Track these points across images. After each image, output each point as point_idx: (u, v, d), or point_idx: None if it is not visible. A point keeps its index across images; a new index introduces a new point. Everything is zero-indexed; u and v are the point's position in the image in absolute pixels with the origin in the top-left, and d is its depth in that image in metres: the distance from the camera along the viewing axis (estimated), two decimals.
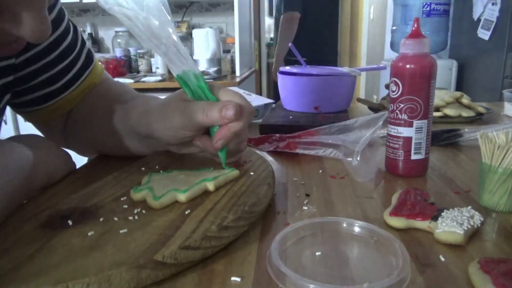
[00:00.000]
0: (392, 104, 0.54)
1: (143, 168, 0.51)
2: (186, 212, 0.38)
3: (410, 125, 0.53)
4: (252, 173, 0.48)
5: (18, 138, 0.48)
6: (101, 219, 0.37)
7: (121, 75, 2.33)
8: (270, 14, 4.37)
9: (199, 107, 0.44)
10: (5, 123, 2.22)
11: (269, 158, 0.65)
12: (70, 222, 0.36)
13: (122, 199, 0.42)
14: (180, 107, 0.45)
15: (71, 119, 0.62)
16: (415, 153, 0.54)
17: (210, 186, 0.43)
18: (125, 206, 0.40)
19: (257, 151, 0.60)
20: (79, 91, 0.60)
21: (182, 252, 0.32)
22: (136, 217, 0.37)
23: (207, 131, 0.47)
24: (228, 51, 2.62)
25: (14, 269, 0.29)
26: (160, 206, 0.39)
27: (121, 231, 0.35)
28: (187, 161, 0.53)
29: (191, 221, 0.36)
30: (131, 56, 2.51)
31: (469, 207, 0.41)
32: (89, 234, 0.34)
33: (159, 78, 2.20)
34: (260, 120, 0.86)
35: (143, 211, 0.39)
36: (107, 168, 0.51)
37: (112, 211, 0.39)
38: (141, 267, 0.30)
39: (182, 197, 0.40)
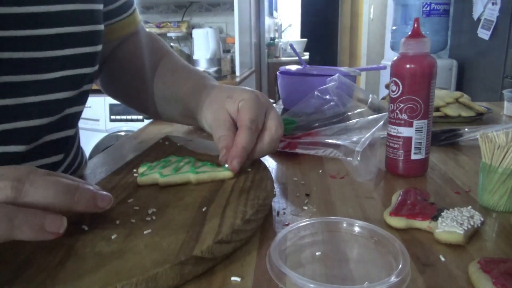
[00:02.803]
0: (392, 104, 0.54)
1: (134, 170, 0.50)
2: (203, 209, 0.39)
3: (410, 125, 0.53)
4: (249, 169, 0.49)
5: None
6: (117, 222, 0.37)
7: None
8: (270, 14, 4.37)
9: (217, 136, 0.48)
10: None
11: (269, 158, 0.65)
12: (85, 227, 0.36)
13: (129, 201, 0.41)
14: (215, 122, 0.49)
15: (113, 60, 0.65)
16: (415, 153, 0.54)
17: (192, 179, 0.45)
18: (136, 208, 0.40)
19: None
20: (122, 25, 0.63)
21: (217, 246, 0.33)
22: (153, 217, 0.37)
23: None
24: (228, 51, 2.62)
25: (49, 278, 0.29)
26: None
27: (145, 232, 0.35)
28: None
29: (212, 217, 0.37)
30: None
31: (469, 207, 0.41)
32: (112, 237, 0.34)
33: None
34: None
35: (157, 211, 0.39)
36: (95, 172, 0.50)
37: (125, 213, 0.39)
38: (183, 264, 0.31)
39: (160, 181, 0.45)
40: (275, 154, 0.66)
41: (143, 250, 0.32)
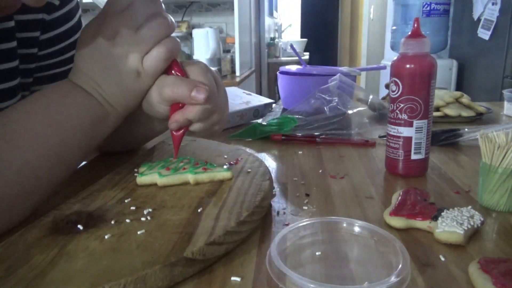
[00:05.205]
0: (392, 104, 0.54)
1: (135, 170, 0.50)
2: (199, 210, 0.39)
3: (410, 125, 0.53)
4: (249, 170, 0.48)
5: None
6: (112, 222, 0.37)
7: None
8: (270, 14, 4.37)
9: (170, 82, 0.43)
10: None
11: (269, 158, 0.65)
12: (80, 227, 0.36)
13: (126, 201, 0.41)
14: (158, 82, 0.45)
15: None
16: (415, 153, 0.54)
17: (191, 179, 0.45)
18: (133, 208, 0.40)
19: (247, 149, 0.60)
20: None
21: (209, 248, 0.33)
22: (148, 218, 0.37)
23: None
24: (228, 51, 2.62)
25: (39, 277, 0.29)
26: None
27: (139, 232, 0.35)
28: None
29: (207, 218, 0.37)
30: None
31: (469, 207, 0.41)
32: (106, 237, 0.34)
33: None
34: (260, 120, 0.86)
35: (153, 212, 0.39)
36: (95, 171, 0.50)
37: (121, 213, 0.39)
38: (173, 265, 0.31)
39: (159, 181, 0.45)
40: (275, 154, 0.66)
41: (134, 250, 0.32)
